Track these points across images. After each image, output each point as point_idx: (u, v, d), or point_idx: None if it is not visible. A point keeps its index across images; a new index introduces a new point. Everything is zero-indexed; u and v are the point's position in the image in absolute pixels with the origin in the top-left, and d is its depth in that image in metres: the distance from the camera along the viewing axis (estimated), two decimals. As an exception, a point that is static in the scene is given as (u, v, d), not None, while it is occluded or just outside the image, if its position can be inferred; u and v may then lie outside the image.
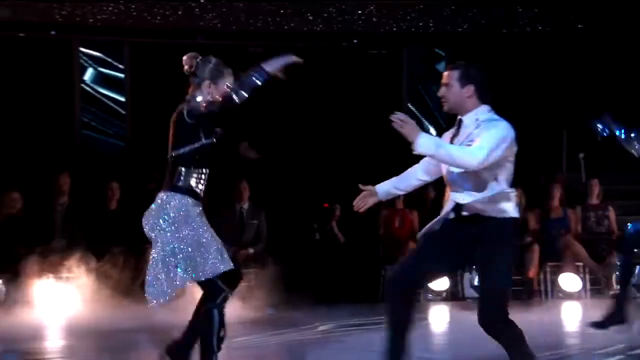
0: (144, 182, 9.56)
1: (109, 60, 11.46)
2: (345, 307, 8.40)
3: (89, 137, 11.31)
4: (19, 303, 8.09)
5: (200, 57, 4.44)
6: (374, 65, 11.56)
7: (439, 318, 8.58)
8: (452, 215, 4.20)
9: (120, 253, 8.81)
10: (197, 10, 10.41)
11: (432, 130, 11.05)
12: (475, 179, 4.13)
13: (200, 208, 4.39)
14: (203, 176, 4.44)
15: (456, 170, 4.14)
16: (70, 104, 11.06)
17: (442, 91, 4.24)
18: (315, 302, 8.52)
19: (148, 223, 4.35)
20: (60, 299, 8.22)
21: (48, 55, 10.73)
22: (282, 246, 9.42)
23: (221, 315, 4.29)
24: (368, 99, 11.10)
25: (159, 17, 10.55)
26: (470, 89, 4.17)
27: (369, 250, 9.74)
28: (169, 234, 4.28)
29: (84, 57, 11.26)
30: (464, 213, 4.16)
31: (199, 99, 4.37)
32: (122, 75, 11.45)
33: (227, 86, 4.34)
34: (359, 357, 6.04)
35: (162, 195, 4.35)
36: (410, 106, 11.86)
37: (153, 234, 4.34)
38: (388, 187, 4.52)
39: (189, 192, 4.35)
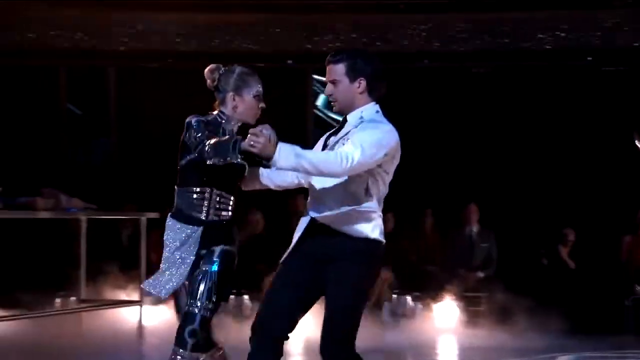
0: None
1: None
2: (583, 338, 7.71)
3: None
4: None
5: (222, 69, 3.85)
6: (609, 83, 10.72)
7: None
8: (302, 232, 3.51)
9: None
10: (423, 34, 10.32)
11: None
12: (340, 190, 3.43)
13: None
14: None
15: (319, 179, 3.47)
16: (302, 127, 11.28)
17: (328, 89, 3.54)
18: (549, 330, 7.86)
19: None
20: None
21: (285, 82, 11.03)
22: (511, 270, 8.97)
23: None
24: (604, 120, 10.33)
25: (387, 45, 10.58)
26: (362, 83, 3.48)
27: (603, 277, 8.96)
28: None
29: (317, 84, 11.44)
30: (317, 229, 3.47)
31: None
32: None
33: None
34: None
35: None
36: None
37: None
38: (264, 173, 3.86)
39: None
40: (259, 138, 3.23)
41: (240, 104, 3.75)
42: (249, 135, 3.26)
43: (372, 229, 3.45)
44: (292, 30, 10.65)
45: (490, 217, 9.21)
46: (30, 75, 10.80)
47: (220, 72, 3.80)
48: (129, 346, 6.56)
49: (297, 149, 3.33)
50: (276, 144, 3.24)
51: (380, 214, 3.50)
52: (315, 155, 3.39)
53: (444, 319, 8.34)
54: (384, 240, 3.49)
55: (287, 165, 3.30)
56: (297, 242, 3.50)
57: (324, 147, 3.56)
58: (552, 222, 9.41)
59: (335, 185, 3.44)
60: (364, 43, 10.64)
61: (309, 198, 3.58)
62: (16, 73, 10.62)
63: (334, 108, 3.58)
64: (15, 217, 6.81)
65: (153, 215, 7.40)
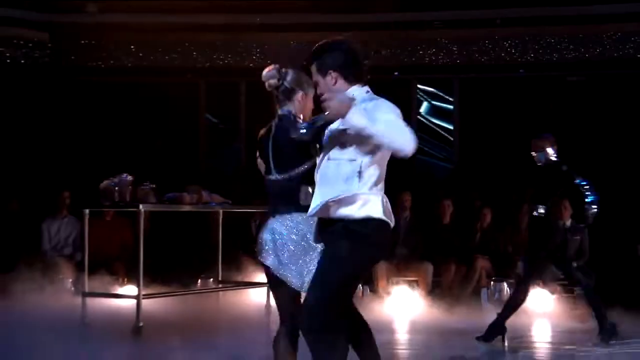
0: (471, 200, 9.46)
1: (441, 94, 11.52)
2: None
3: (424, 162, 11.43)
4: (373, 300, 8.28)
5: (283, 69, 3.63)
6: None
7: None
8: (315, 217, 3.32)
9: (452, 262, 8.73)
10: (519, 45, 10.19)
11: None
12: (334, 175, 3.20)
13: None
14: None
15: (330, 164, 3.23)
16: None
17: (318, 91, 3.34)
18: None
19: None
20: (404, 298, 8.28)
21: (390, 92, 11.08)
22: (604, 261, 8.71)
23: None
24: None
25: (485, 57, 10.48)
26: (333, 75, 3.27)
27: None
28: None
29: (421, 93, 11.45)
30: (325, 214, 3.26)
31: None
32: (451, 107, 11.45)
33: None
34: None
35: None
36: None
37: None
38: None
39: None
40: (333, 98, 3.15)
41: (306, 102, 3.64)
42: (326, 101, 3.20)
43: (362, 208, 3.19)
44: (399, 45, 10.69)
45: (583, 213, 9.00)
46: (175, 90, 11.13)
47: (287, 73, 3.63)
48: (257, 322, 6.63)
49: (375, 102, 3.19)
50: (349, 105, 3.09)
51: (377, 194, 3.23)
52: (386, 122, 3.09)
53: (538, 304, 8.24)
54: (381, 218, 3.22)
55: (358, 124, 3.04)
56: (314, 237, 3.41)
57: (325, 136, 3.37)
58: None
59: (331, 168, 3.25)
60: (464, 55, 10.62)
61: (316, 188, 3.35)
62: (164, 88, 11.01)
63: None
64: (165, 209, 6.91)
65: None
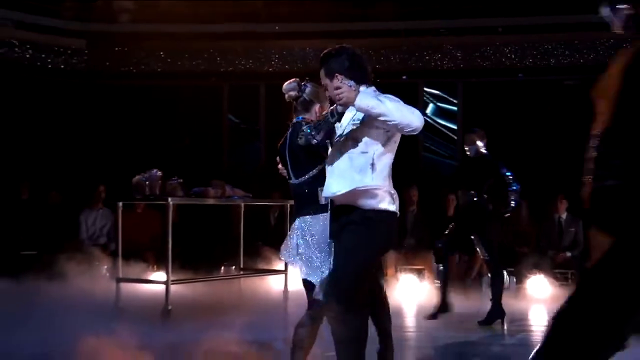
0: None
1: (446, 96, 11.46)
2: None
3: (430, 159, 11.38)
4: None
5: (303, 82, 3.65)
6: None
7: None
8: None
9: (456, 252, 8.68)
10: (519, 51, 10.13)
11: None
12: (348, 165, 3.21)
13: None
14: None
15: (343, 157, 3.24)
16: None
17: (327, 94, 3.35)
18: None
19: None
20: (411, 285, 8.26)
21: (399, 94, 11.05)
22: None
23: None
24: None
25: (487, 62, 10.42)
26: (340, 78, 3.27)
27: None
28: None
29: (427, 95, 11.40)
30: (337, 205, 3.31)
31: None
32: (455, 109, 11.38)
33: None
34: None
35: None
36: None
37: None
38: None
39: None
40: (343, 87, 3.15)
41: (319, 112, 3.66)
42: (334, 91, 3.20)
43: (379, 202, 3.23)
44: (407, 51, 10.65)
45: (578, 207, 8.96)
46: (200, 92, 11.16)
47: (307, 86, 3.66)
48: (275, 306, 6.61)
49: (379, 95, 3.19)
50: (357, 91, 3.13)
51: (387, 188, 3.28)
52: (393, 103, 3.13)
53: (535, 292, 8.20)
54: (392, 210, 3.28)
55: (367, 104, 3.07)
56: (330, 220, 3.43)
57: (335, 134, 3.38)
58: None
59: (344, 161, 3.26)
60: (467, 60, 10.55)
61: (326, 180, 3.37)
62: (190, 91, 11.04)
63: (338, 107, 3.30)
64: (192, 202, 6.94)
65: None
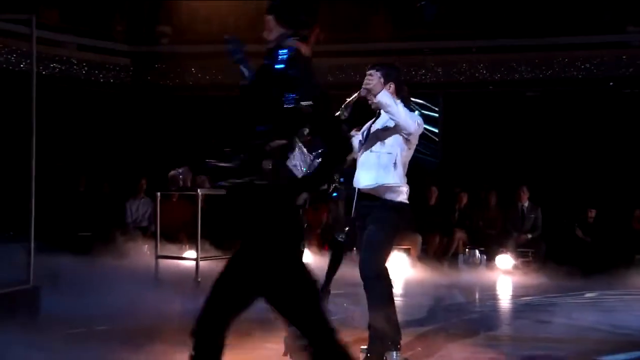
0: (452, 187, 9.41)
1: (429, 105, 11.43)
2: (604, 281, 7.18)
3: (415, 157, 11.30)
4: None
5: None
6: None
7: None
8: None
9: (436, 234, 8.69)
10: (489, 67, 10.10)
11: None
12: (375, 162, 3.31)
13: None
14: None
15: (371, 155, 3.35)
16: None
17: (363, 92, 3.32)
18: (579, 275, 7.56)
19: None
20: (399, 262, 8.20)
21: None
22: (553, 235, 8.64)
23: None
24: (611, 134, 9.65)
25: (462, 76, 10.40)
26: (392, 86, 3.36)
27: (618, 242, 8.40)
28: None
29: (413, 104, 11.35)
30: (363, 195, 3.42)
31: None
32: (436, 115, 11.35)
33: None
34: (628, 319, 5.19)
35: None
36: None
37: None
38: None
39: None
40: (374, 77, 3.28)
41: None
42: (366, 78, 3.27)
43: (398, 196, 3.38)
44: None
45: (538, 197, 8.95)
46: (223, 101, 11.19)
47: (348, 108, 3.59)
48: None
49: (396, 100, 3.30)
50: (382, 86, 3.25)
51: (403, 185, 3.41)
52: (403, 109, 3.32)
53: (502, 266, 8.22)
54: (406, 202, 3.43)
55: (386, 101, 3.22)
56: (355, 206, 3.50)
57: (367, 133, 3.47)
58: (579, 201, 9.00)
59: (372, 158, 3.36)
60: (446, 75, 10.51)
61: (356, 172, 3.45)
62: (216, 100, 10.95)
63: (372, 105, 3.38)
64: (217, 193, 6.85)
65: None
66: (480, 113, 10.18)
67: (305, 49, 2.31)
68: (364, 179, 3.38)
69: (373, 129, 3.44)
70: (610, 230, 8.48)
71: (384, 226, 3.35)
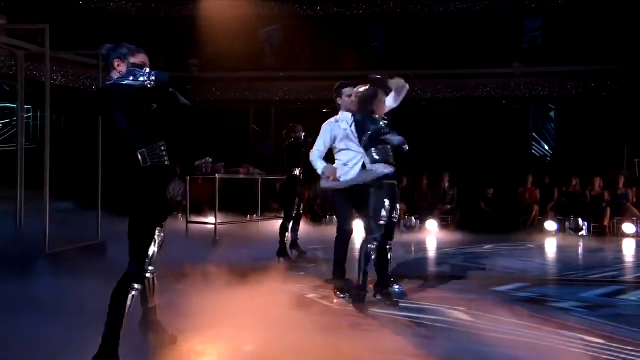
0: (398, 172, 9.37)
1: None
2: (500, 237, 7.31)
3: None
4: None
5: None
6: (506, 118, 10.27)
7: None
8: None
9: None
10: (422, 88, 10.10)
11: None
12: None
13: None
14: None
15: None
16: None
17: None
18: (481, 231, 7.69)
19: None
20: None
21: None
22: (465, 206, 8.75)
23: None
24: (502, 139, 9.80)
25: (425, 93, 10.25)
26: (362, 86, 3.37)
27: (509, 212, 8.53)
28: None
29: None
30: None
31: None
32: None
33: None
34: (512, 262, 5.27)
35: None
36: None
37: None
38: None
39: None
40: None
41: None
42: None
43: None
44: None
45: (455, 179, 9.03)
46: (237, 112, 10.87)
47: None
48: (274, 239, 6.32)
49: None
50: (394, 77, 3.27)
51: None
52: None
53: (430, 228, 8.28)
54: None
55: (400, 84, 3.42)
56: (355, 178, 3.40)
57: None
58: (482, 182, 9.08)
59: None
60: (412, 93, 10.41)
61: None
62: (232, 112, 10.80)
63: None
64: (230, 177, 6.83)
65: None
66: (416, 121, 10.20)
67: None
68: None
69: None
70: (503, 203, 8.64)
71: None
